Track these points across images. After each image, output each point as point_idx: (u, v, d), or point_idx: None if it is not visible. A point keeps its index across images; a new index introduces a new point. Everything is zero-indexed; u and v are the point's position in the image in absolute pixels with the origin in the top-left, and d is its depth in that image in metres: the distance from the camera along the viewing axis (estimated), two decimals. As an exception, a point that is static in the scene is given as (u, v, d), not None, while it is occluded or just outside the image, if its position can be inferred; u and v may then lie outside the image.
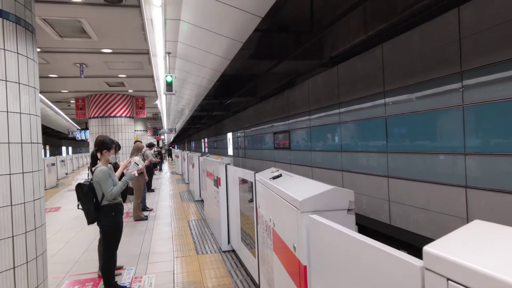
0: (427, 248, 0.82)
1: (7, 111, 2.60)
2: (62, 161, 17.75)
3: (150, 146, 10.34)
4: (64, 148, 44.56)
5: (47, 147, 35.79)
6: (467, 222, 4.10)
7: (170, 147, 40.75)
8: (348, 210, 1.69)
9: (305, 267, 1.72)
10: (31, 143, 2.83)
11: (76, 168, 22.83)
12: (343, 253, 1.32)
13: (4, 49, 2.60)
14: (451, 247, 0.79)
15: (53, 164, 14.10)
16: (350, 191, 1.71)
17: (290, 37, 7.57)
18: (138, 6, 4.28)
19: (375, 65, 6.38)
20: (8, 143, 2.60)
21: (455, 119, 4.78)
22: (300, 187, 1.99)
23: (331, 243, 1.39)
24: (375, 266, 1.10)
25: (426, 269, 0.83)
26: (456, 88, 4.73)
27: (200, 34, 5.50)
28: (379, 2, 5.87)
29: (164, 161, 23.30)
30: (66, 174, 18.77)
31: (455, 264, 0.72)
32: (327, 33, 7.50)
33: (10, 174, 2.59)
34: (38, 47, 5.44)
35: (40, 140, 3.02)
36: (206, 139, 33.75)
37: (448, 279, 0.74)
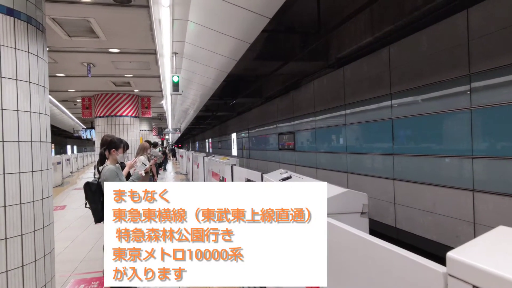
0: (451, 254, 0.81)
1: (18, 110, 2.61)
2: (68, 159, 17.83)
3: (154, 145, 10.36)
4: (69, 147, 44.78)
5: (53, 146, 36.00)
6: (474, 226, 4.08)
7: (174, 147, 40.81)
8: (362, 213, 1.68)
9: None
10: (41, 142, 2.84)
11: (81, 166, 22.95)
12: (360, 258, 1.31)
13: (16, 48, 2.61)
14: (476, 254, 0.78)
15: (58, 163, 14.17)
16: (363, 194, 1.70)
17: (297, 38, 7.56)
18: (147, 6, 4.29)
19: (382, 67, 6.36)
20: (18, 141, 2.61)
21: (462, 122, 4.74)
22: (311, 189, 1.97)
23: (347, 247, 1.38)
24: (394, 271, 1.09)
25: (450, 275, 0.82)
26: (464, 91, 4.70)
27: (207, 34, 5.50)
28: (386, 4, 5.85)
29: (168, 160, 23.34)
30: (71, 172, 18.85)
31: (482, 271, 0.71)
32: (334, 34, 7.48)
33: (20, 172, 2.60)
34: (47, 46, 5.48)
35: (49, 139, 3.03)
36: (210, 140, 33.81)
37: (474, 286, 0.73)
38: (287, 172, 2.67)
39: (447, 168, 5.01)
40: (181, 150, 23.72)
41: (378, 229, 6.46)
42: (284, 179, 2.51)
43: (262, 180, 3.26)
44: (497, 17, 4.23)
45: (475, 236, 4.36)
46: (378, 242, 1.18)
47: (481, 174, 4.52)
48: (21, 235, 2.60)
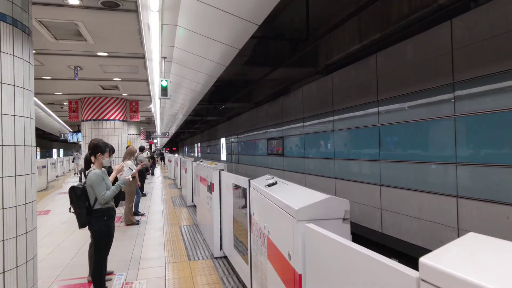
0: (423, 260, 0.84)
1: (1, 114, 2.58)
2: (53, 163, 17.54)
3: (141, 149, 10.29)
4: (55, 150, 44.03)
5: (38, 149, 35.35)
6: (458, 232, 4.16)
7: (162, 151, 40.46)
8: (344, 219, 1.71)
9: (300, 275, 1.72)
10: (25, 146, 2.80)
11: (67, 170, 22.59)
12: (339, 263, 1.33)
13: (0, 51, 2.58)
14: (447, 259, 0.81)
15: (43, 167, 13.94)
16: (345, 201, 1.73)
17: (286, 45, 7.63)
18: (136, 11, 4.28)
19: (369, 74, 6.46)
20: (1, 145, 2.57)
21: (447, 129, 4.85)
22: (296, 196, 2.00)
23: (327, 252, 1.40)
24: (371, 276, 1.12)
25: (422, 280, 0.85)
26: (448, 99, 4.81)
27: (196, 39, 5.52)
28: (373, 12, 5.97)
29: (156, 165, 23.17)
30: (57, 176, 18.55)
31: (452, 276, 0.74)
32: (322, 41, 7.58)
33: (2, 177, 2.56)
34: (33, 49, 5.41)
35: (34, 143, 2.99)
36: (199, 144, 33.68)
37: (443, 291, 0.76)
38: (273, 178, 2.69)
39: (432, 174, 5.11)
40: (169, 155, 23.52)
41: (365, 235, 6.52)
42: (270, 185, 2.53)
43: (249, 186, 3.27)
44: (479, 28, 4.36)
45: (458, 242, 4.44)
46: (356, 248, 1.21)
47: (464, 181, 4.61)
48: (3, 240, 2.55)
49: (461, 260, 0.79)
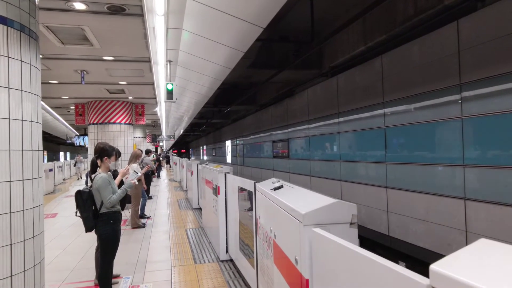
0: (434, 267, 0.82)
1: (9, 118, 2.60)
2: (60, 166, 17.67)
3: (147, 152, 10.35)
4: (62, 154, 44.41)
5: (45, 152, 35.69)
6: (466, 234, 4.10)
7: (168, 154, 40.65)
8: (351, 223, 1.70)
9: (307, 280, 1.71)
10: (32, 150, 2.82)
11: (73, 174, 22.73)
12: (347, 269, 1.32)
13: (8, 57, 2.60)
14: (458, 267, 0.79)
15: (50, 170, 14.04)
16: (352, 205, 1.72)
17: (291, 47, 7.63)
18: (141, 15, 4.31)
19: (375, 76, 6.43)
20: (9, 150, 2.59)
21: (454, 130, 4.80)
22: (302, 200, 1.99)
23: (334, 258, 1.39)
24: (379, 283, 1.10)
25: (433, 287, 0.83)
26: (455, 100, 4.76)
27: (201, 43, 5.54)
28: (378, 14, 5.94)
29: (162, 168, 23.26)
30: (64, 180, 18.68)
31: (463, 284, 0.73)
32: (327, 43, 7.56)
33: (10, 181, 2.58)
34: (40, 54, 5.46)
35: (41, 148, 3.01)
36: (204, 147, 33.76)
37: (455, 299, 0.75)
38: (279, 181, 2.68)
39: (439, 177, 5.06)
40: (175, 157, 23.58)
41: (371, 238, 6.47)
42: (276, 188, 2.52)
43: (255, 189, 3.26)
44: (485, 29, 4.32)
45: (467, 244, 4.38)
46: (365, 254, 1.19)
47: (472, 183, 4.56)
48: (10, 244, 2.56)
49: (473, 268, 0.78)
